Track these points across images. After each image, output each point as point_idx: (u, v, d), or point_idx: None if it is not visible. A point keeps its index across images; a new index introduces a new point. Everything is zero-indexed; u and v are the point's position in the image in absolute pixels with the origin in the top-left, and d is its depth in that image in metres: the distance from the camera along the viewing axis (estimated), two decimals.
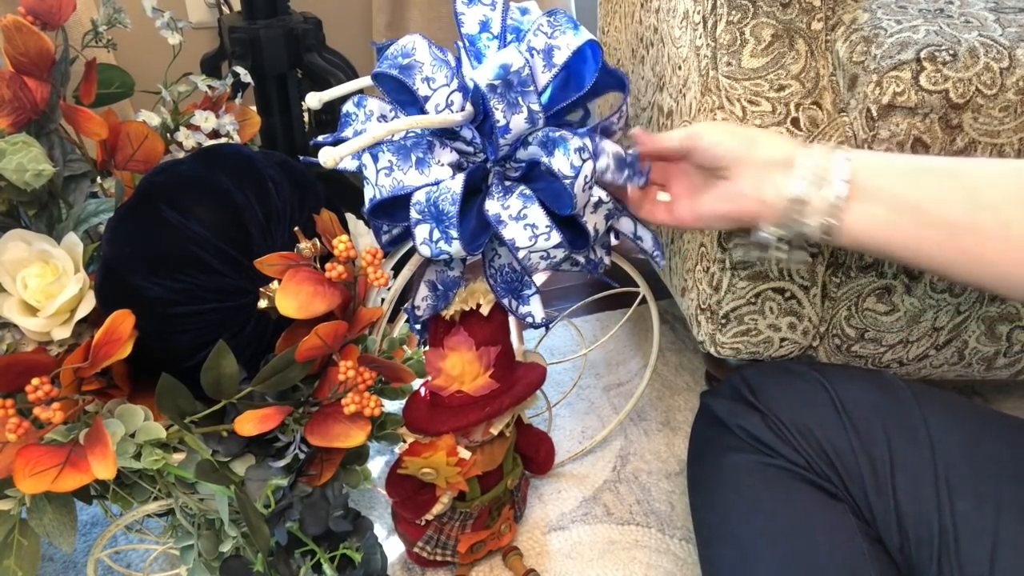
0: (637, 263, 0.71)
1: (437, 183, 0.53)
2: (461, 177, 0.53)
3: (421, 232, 0.54)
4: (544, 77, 0.55)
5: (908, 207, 0.50)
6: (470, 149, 0.58)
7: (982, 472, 0.53)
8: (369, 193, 0.55)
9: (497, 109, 0.53)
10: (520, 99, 0.53)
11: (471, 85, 0.55)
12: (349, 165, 0.59)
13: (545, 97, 0.57)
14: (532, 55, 0.54)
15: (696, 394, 0.98)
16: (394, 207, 0.56)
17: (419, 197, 0.54)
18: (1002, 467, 0.53)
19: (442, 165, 0.55)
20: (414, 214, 0.54)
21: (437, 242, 0.54)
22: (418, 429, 0.63)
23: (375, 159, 0.54)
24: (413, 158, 0.54)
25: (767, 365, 0.65)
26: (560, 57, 0.54)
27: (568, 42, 0.54)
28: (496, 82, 0.52)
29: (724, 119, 0.65)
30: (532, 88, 0.53)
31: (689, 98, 0.72)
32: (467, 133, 0.57)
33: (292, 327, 0.54)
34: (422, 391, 0.66)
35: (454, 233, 0.53)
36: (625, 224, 0.64)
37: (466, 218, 0.54)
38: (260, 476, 0.54)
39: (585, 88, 0.56)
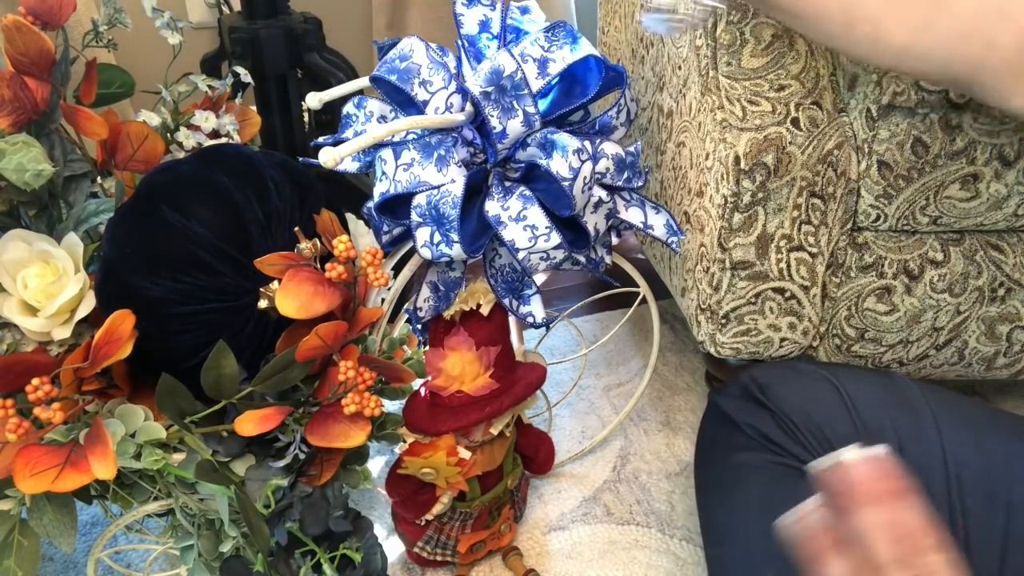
0: (637, 263, 0.71)
1: (439, 187, 0.53)
2: (462, 181, 0.53)
3: (422, 235, 0.54)
4: (537, 83, 0.54)
5: None
6: (471, 150, 0.58)
7: (992, 471, 0.53)
8: (383, 187, 0.55)
9: (492, 116, 0.53)
10: (515, 103, 0.53)
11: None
12: (349, 166, 0.59)
13: (547, 103, 0.57)
14: (525, 60, 0.54)
15: (696, 394, 0.98)
16: (402, 205, 0.56)
17: (420, 200, 0.54)
18: (1012, 466, 0.53)
19: (459, 165, 0.54)
20: (415, 217, 0.54)
21: (438, 245, 0.54)
22: (418, 429, 0.63)
23: (397, 155, 0.54)
24: (435, 155, 0.54)
25: (776, 364, 0.65)
26: (555, 68, 0.54)
27: (564, 56, 0.54)
28: (489, 88, 0.52)
29: (724, 119, 0.65)
30: (527, 91, 0.53)
31: (689, 98, 0.72)
32: (468, 134, 0.57)
33: (292, 327, 0.54)
34: (422, 391, 0.66)
35: (455, 236, 0.53)
36: (634, 214, 0.63)
37: (467, 219, 0.54)
38: (260, 476, 0.54)
39: (589, 96, 0.56)
